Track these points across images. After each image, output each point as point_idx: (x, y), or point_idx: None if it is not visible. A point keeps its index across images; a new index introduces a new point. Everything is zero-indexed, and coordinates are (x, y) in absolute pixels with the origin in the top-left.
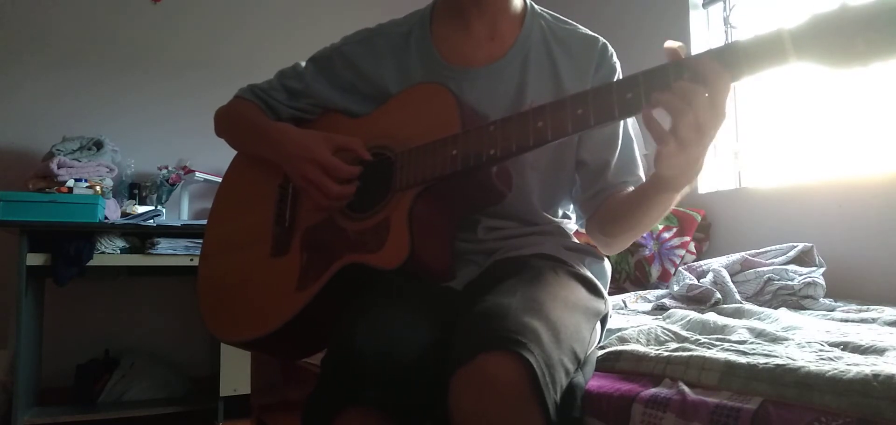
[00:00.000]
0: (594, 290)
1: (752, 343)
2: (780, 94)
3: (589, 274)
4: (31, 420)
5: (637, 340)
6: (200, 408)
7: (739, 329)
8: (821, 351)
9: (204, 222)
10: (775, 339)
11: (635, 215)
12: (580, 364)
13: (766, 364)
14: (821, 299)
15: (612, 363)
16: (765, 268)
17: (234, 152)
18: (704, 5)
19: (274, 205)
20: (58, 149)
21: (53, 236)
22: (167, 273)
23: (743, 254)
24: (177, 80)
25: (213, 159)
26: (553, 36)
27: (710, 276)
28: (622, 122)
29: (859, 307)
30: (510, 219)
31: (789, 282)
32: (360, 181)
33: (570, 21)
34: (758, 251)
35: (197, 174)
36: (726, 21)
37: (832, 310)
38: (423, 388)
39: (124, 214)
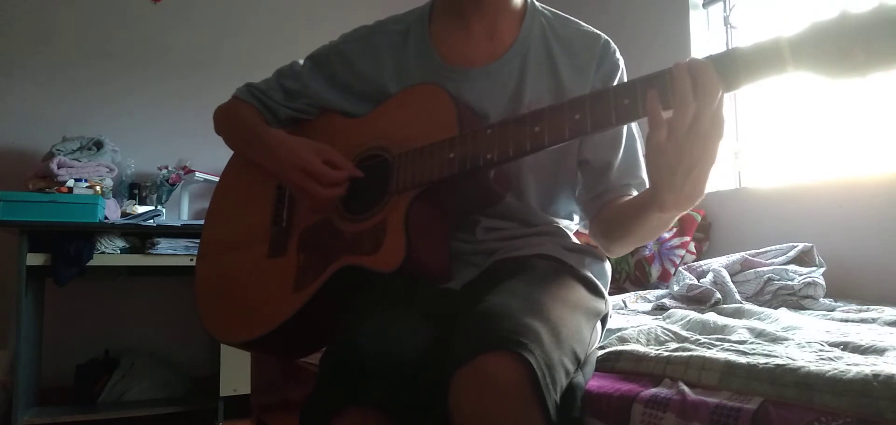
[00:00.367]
0: (594, 290)
1: (752, 343)
2: (780, 94)
3: (589, 274)
4: (30, 420)
5: (637, 340)
6: (200, 408)
7: (739, 329)
8: (821, 351)
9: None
10: (775, 339)
11: (632, 229)
12: (580, 364)
13: (766, 364)
14: (821, 299)
15: (612, 363)
16: (765, 268)
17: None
18: (704, 5)
19: (271, 206)
20: (58, 149)
21: (53, 236)
22: (167, 273)
23: (743, 254)
24: (177, 80)
25: (213, 159)
26: (553, 34)
27: (710, 276)
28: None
29: (859, 307)
30: (509, 219)
31: (789, 282)
32: (349, 185)
33: (573, 18)
34: (758, 251)
35: (197, 174)
36: (726, 21)
37: (832, 310)
38: (423, 388)
39: (124, 214)
